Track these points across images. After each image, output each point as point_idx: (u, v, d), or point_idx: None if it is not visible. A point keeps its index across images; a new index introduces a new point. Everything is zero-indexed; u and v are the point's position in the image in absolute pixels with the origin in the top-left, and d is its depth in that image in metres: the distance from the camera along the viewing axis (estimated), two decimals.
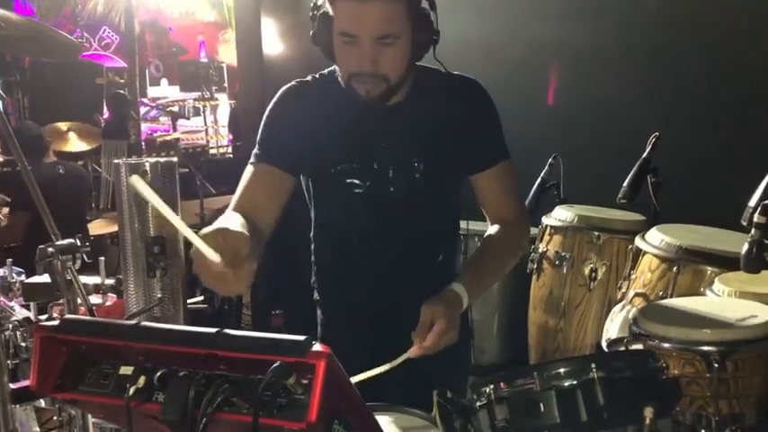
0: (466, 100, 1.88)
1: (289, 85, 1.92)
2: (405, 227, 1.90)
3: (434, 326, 1.64)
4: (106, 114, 10.63)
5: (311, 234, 2.03)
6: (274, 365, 0.99)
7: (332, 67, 1.89)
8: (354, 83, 1.75)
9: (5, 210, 4.54)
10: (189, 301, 2.31)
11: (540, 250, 3.04)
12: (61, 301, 2.05)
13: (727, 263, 2.22)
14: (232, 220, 1.61)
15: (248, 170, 1.87)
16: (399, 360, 1.66)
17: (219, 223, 1.53)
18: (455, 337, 1.68)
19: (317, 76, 1.93)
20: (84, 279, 2.08)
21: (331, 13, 1.72)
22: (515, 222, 1.95)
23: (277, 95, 1.92)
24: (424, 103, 1.84)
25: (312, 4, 1.80)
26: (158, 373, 1.08)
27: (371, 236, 1.89)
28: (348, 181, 1.85)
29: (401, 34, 1.70)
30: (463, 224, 2.69)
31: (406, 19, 1.70)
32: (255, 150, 1.88)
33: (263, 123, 1.91)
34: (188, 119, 14.09)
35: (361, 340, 1.88)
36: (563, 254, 2.93)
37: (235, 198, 1.84)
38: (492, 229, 1.94)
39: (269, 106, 1.92)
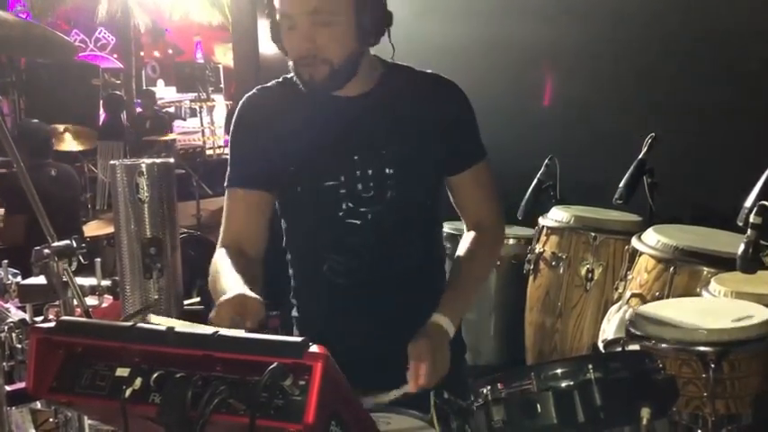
0: (438, 97, 1.78)
1: (249, 94, 1.82)
2: (380, 241, 1.76)
3: (423, 364, 1.53)
4: (102, 115, 10.63)
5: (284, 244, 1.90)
6: (271, 367, 0.99)
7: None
8: (300, 69, 1.68)
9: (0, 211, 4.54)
10: (185, 302, 2.31)
11: (536, 251, 3.04)
12: (57, 303, 2.05)
13: (723, 263, 2.22)
14: (237, 282, 1.55)
15: (227, 195, 1.80)
16: (398, 392, 1.57)
17: (231, 286, 1.50)
18: (446, 367, 1.60)
19: (280, 80, 1.83)
20: (80, 280, 2.08)
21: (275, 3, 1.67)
22: (491, 227, 1.85)
23: (238, 107, 1.82)
24: (392, 96, 1.74)
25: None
26: (155, 375, 1.08)
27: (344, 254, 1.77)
28: (323, 184, 1.74)
29: (338, 12, 1.62)
30: (454, 226, 2.70)
31: None
32: (228, 173, 1.80)
33: (230, 141, 1.84)
34: (184, 120, 14.11)
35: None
36: (559, 255, 2.92)
37: (222, 230, 1.78)
38: (467, 239, 1.83)
39: (233, 120, 1.82)
